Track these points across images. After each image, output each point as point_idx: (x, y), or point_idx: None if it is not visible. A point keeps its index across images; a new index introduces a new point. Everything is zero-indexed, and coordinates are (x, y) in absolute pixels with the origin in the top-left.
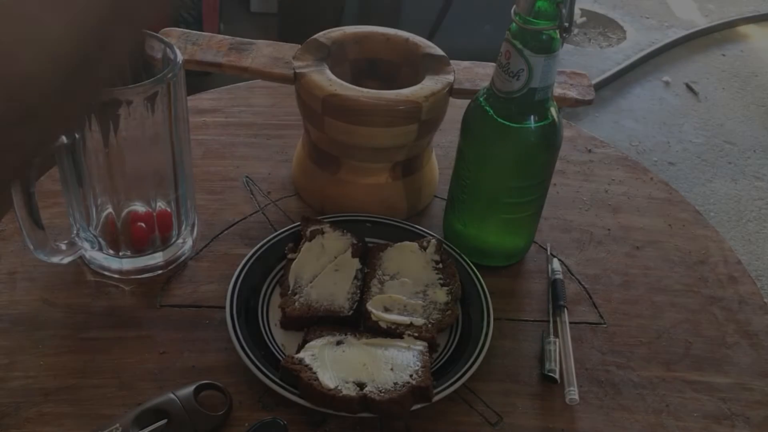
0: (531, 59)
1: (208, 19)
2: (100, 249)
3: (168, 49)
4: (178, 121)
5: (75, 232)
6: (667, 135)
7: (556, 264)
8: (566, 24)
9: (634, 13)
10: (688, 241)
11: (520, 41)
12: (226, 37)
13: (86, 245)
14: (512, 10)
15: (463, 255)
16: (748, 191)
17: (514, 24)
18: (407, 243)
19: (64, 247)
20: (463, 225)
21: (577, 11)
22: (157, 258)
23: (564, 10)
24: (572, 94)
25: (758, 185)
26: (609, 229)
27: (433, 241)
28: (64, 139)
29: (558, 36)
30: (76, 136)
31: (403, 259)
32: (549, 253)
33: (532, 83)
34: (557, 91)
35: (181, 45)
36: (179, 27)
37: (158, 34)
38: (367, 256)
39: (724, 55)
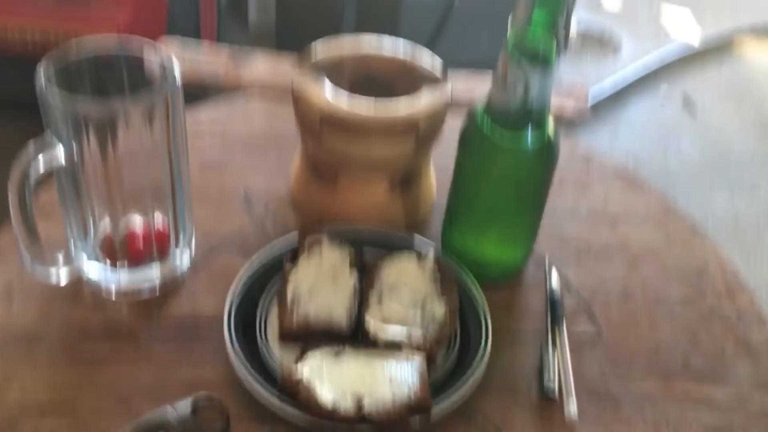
0: (528, 72)
1: (205, 29)
2: (97, 262)
3: (165, 61)
4: (175, 133)
5: (72, 245)
6: (664, 148)
7: (554, 276)
8: (563, 37)
9: (632, 27)
10: (687, 254)
11: (516, 54)
12: (225, 47)
13: (83, 259)
14: (509, 23)
15: (461, 267)
16: (747, 204)
17: (510, 36)
18: (405, 255)
19: (60, 261)
20: (461, 237)
21: (574, 24)
22: (155, 271)
23: (561, 23)
24: (570, 106)
25: (756, 198)
26: (607, 242)
27: (431, 253)
28: (60, 150)
29: (555, 49)
30: (74, 148)
31: (401, 271)
32: (547, 265)
33: (529, 96)
34: (554, 104)
35: (179, 56)
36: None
37: (156, 45)
38: (365, 268)
39: (721, 68)
